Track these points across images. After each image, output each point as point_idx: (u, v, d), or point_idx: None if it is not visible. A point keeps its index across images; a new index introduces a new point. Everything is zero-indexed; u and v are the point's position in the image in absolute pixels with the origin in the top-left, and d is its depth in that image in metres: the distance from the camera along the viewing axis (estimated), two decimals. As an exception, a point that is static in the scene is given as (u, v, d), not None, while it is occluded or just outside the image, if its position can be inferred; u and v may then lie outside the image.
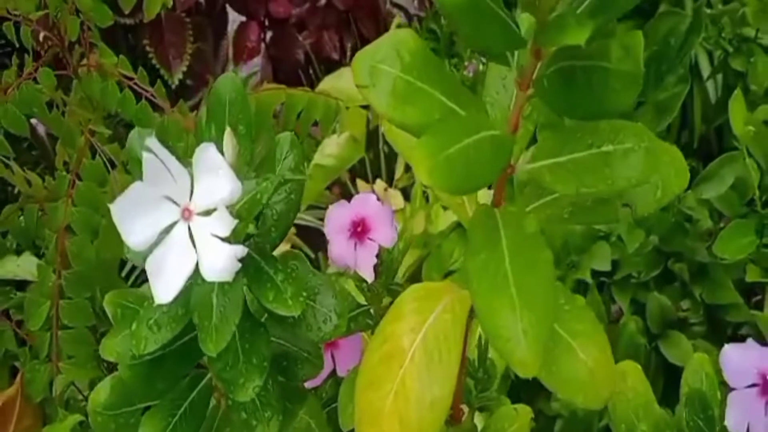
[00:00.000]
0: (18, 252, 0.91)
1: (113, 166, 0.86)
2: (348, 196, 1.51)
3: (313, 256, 1.36)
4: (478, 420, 0.54)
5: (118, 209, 0.32)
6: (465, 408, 0.54)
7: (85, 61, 0.86)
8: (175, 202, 0.33)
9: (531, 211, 0.38)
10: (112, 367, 0.58)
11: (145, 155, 0.32)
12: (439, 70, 0.35)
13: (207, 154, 0.33)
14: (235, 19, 1.73)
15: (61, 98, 0.87)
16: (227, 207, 0.33)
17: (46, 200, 0.87)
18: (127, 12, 0.89)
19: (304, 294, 0.37)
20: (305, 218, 1.36)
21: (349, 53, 1.71)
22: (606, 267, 1.02)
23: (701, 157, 1.40)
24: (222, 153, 0.34)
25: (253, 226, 0.37)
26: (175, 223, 0.33)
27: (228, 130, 0.35)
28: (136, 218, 0.33)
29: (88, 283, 0.77)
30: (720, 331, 1.05)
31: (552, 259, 0.32)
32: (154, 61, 1.58)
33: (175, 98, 1.30)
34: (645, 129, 0.33)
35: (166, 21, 1.56)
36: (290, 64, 1.71)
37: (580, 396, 0.36)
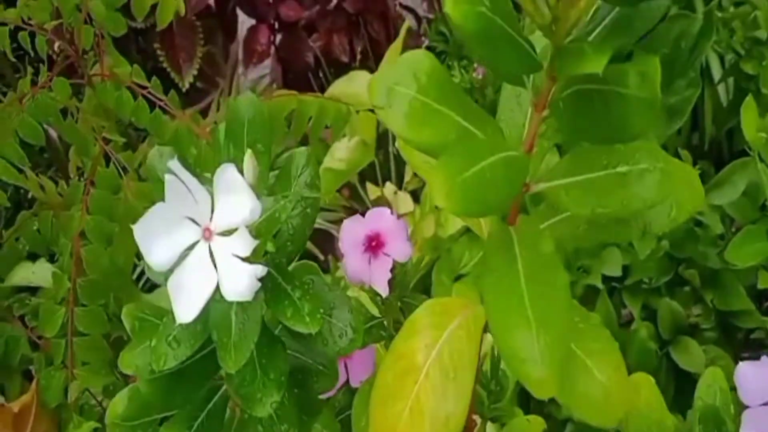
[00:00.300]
0: (31, 258, 0.92)
1: (126, 172, 0.86)
2: (358, 199, 1.51)
3: (323, 258, 1.36)
4: (491, 430, 0.54)
5: (140, 230, 0.33)
6: (477, 419, 0.55)
7: (98, 69, 0.87)
8: (196, 223, 0.34)
9: (545, 228, 0.38)
10: (126, 374, 0.59)
11: (166, 177, 0.33)
12: (454, 91, 0.36)
13: (227, 174, 0.33)
14: (245, 21, 1.73)
15: (75, 106, 0.88)
16: (247, 226, 0.34)
17: (60, 207, 0.88)
18: (140, 20, 0.90)
19: (321, 311, 0.38)
20: (315, 221, 1.36)
21: (358, 56, 1.71)
22: (617, 272, 1.02)
23: (712, 159, 1.40)
24: (241, 173, 0.35)
25: (271, 245, 0.37)
26: (196, 243, 0.34)
27: (249, 152, 0.36)
28: (158, 238, 0.33)
29: (103, 290, 0.78)
30: (731, 337, 1.05)
31: (568, 280, 0.32)
32: (164, 64, 1.59)
33: (185, 101, 1.31)
34: (660, 149, 0.33)
35: (176, 24, 1.56)
36: (300, 67, 1.71)
37: (594, 415, 0.36)
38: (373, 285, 0.47)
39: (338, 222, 1.44)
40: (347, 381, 0.55)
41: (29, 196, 1.23)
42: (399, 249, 0.47)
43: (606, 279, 1.03)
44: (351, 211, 1.44)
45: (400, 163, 1.51)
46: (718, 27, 1.30)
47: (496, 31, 0.31)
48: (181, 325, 0.38)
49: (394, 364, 0.40)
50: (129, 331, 0.47)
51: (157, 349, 0.37)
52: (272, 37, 1.71)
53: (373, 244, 0.47)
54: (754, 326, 1.01)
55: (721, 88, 1.39)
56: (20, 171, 0.87)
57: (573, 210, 0.35)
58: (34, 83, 0.83)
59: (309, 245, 1.34)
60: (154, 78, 0.86)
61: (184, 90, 1.60)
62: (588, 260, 1.04)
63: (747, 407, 0.40)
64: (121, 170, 0.87)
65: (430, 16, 1.84)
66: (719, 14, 1.31)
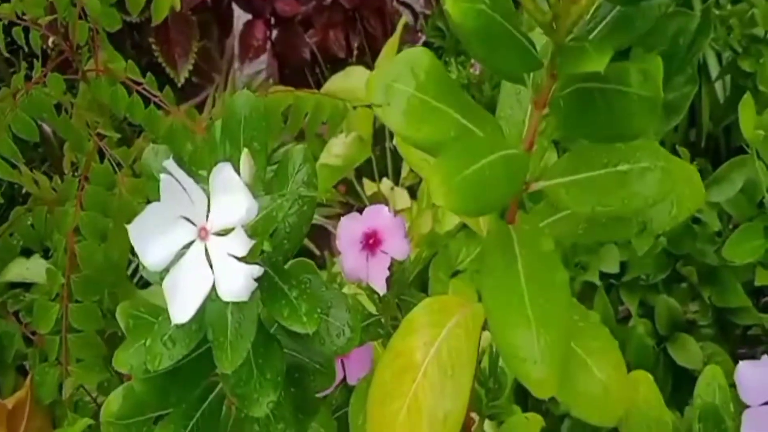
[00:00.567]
0: (25, 253, 0.91)
1: (120, 168, 0.86)
2: (354, 195, 1.51)
3: (318, 254, 1.36)
4: (488, 428, 0.54)
5: (135, 230, 0.32)
6: (475, 416, 0.54)
7: (92, 65, 0.86)
8: (191, 222, 0.33)
9: (545, 226, 0.38)
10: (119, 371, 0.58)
11: (162, 176, 0.32)
12: (453, 89, 0.35)
13: (223, 174, 0.33)
14: (240, 16, 1.73)
15: (69, 101, 0.88)
16: (243, 225, 0.33)
17: (55, 203, 0.87)
18: (135, 15, 0.89)
19: (319, 310, 0.37)
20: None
21: (355, 51, 1.70)
22: (614, 269, 1.02)
23: (709, 156, 1.40)
24: (238, 172, 0.34)
25: (268, 244, 0.37)
26: (191, 242, 0.34)
27: (245, 151, 0.35)
28: (153, 238, 0.33)
29: (97, 286, 0.77)
30: (728, 333, 1.05)
31: (567, 279, 0.32)
32: (159, 60, 1.58)
33: (181, 96, 1.30)
34: (661, 148, 0.33)
35: (171, 19, 1.56)
36: (296, 62, 1.71)
37: (594, 413, 0.36)
38: (370, 283, 0.47)
39: (335, 218, 1.43)
40: (344, 379, 0.55)
41: (23, 191, 1.22)
42: (397, 247, 0.47)
43: (603, 275, 1.03)
44: (347, 207, 1.44)
45: (397, 159, 1.50)
46: (715, 24, 1.30)
47: (496, 29, 0.30)
48: (176, 324, 0.37)
49: (391, 362, 0.40)
50: (124, 330, 0.47)
51: (152, 348, 0.37)
52: (268, 33, 1.70)
53: (371, 242, 0.47)
54: (751, 323, 1.01)
55: (718, 86, 1.39)
56: (14, 167, 0.87)
57: (573, 208, 0.34)
58: (28, 79, 0.83)
59: (305, 241, 1.34)
60: (149, 74, 0.86)
61: (179, 85, 1.60)
62: (585, 257, 1.04)
63: (747, 407, 0.40)
64: (115, 166, 0.86)
65: (427, 11, 1.84)
66: (717, 11, 1.31)
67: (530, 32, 0.34)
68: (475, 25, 0.30)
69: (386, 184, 1.39)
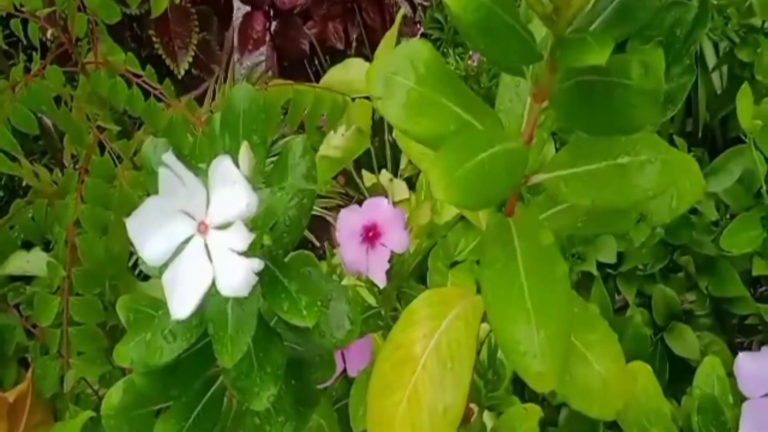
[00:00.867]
0: (26, 246, 0.91)
1: (120, 161, 0.86)
2: (353, 186, 1.51)
3: (318, 245, 1.36)
4: (487, 419, 0.54)
5: (133, 224, 0.32)
6: (474, 407, 0.55)
7: (92, 57, 0.86)
8: (191, 216, 0.33)
9: (544, 219, 0.38)
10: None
11: (160, 170, 0.32)
12: (453, 82, 0.35)
13: (223, 167, 0.33)
14: (240, 8, 1.72)
15: (69, 94, 0.87)
16: (243, 219, 0.33)
17: (55, 196, 0.87)
18: (134, 7, 0.89)
19: (319, 303, 0.37)
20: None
21: (354, 43, 1.70)
22: (612, 259, 1.02)
23: (706, 146, 1.40)
24: (237, 165, 0.34)
25: (268, 238, 0.37)
26: (191, 237, 0.34)
27: (245, 143, 0.35)
28: (152, 233, 0.33)
29: (98, 279, 0.77)
30: (725, 323, 1.05)
31: (567, 272, 0.32)
32: (159, 52, 1.58)
33: (180, 88, 1.30)
34: (661, 140, 0.33)
35: (171, 11, 1.55)
36: (295, 54, 1.71)
37: (593, 406, 0.36)
38: (370, 275, 0.47)
39: (334, 209, 1.43)
40: (344, 371, 0.55)
41: (24, 184, 1.22)
42: (396, 239, 0.47)
43: (601, 266, 1.03)
44: (347, 198, 1.44)
45: (396, 151, 1.50)
46: (712, 14, 1.29)
47: (496, 21, 0.30)
48: (177, 319, 0.37)
49: (391, 354, 0.40)
50: (124, 323, 0.47)
51: (152, 342, 0.37)
52: (267, 25, 1.70)
53: (371, 235, 0.47)
54: (748, 312, 1.01)
55: (715, 76, 1.39)
56: (14, 159, 0.87)
57: (573, 201, 0.34)
58: (27, 71, 0.82)
59: (305, 232, 1.34)
60: (148, 66, 0.86)
61: (179, 77, 1.59)
62: (583, 247, 1.04)
63: (747, 399, 0.40)
64: (115, 159, 0.86)
65: (425, 3, 1.83)
66: (714, 1, 1.31)
67: (530, 24, 0.34)
68: (474, 17, 0.30)
69: (385, 175, 1.39)
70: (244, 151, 0.35)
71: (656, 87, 0.30)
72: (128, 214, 0.76)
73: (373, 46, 1.61)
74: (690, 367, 0.96)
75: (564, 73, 0.33)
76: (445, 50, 1.62)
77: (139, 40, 1.63)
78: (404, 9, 1.67)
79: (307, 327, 0.41)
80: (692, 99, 1.44)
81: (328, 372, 0.45)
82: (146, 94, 0.83)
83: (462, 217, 1.23)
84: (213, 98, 1.55)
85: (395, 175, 1.43)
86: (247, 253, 0.33)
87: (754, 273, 0.97)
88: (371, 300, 0.52)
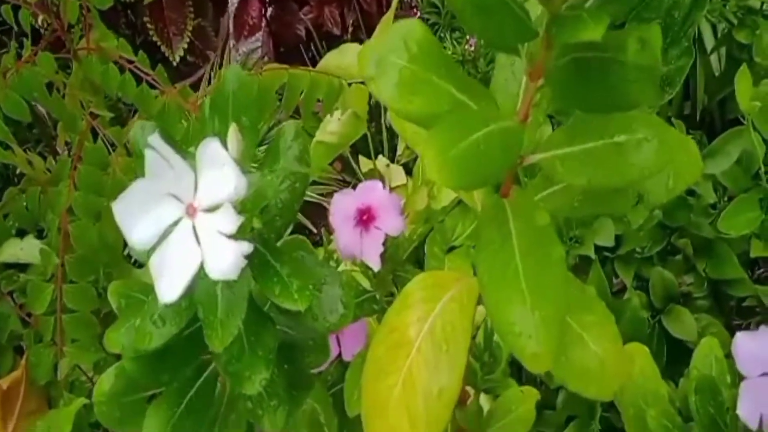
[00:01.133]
0: (19, 234, 0.91)
1: (114, 148, 0.85)
2: (350, 172, 1.51)
3: (315, 231, 1.36)
4: (484, 401, 0.54)
5: (120, 207, 0.32)
6: (470, 390, 0.54)
7: (84, 43, 0.85)
8: (178, 199, 0.33)
9: (540, 200, 0.37)
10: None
11: (147, 152, 0.32)
12: (446, 61, 0.35)
13: (211, 149, 0.32)
14: (235, -6, 1.71)
15: (62, 81, 0.87)
16: (232, 202, 0.33)
17: (48, 183, 0.87)
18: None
19: (311, 287, 0.37)
20: (307, 194, 1.35)
21: (350, 29, 1.69)
22: (609, 242, 1.02)
23: (704, 129, 1.39)
24: (226, 147, 0.34)
25: (258, 221, 0.36)
26: (179, 220, 0.33)
27: (233, 125, 0.35)
28: (139, 216, 0.32)
29: (91, 266, 0.77)
30: (723, 305, 1.05)
31: (564, 254, 0.32)
32: (154, 38, 1.57)
33: (176, 75, 1.29)
34: (658, 119, 0.32)
35: (166, -3, 1.55)
36: (291, 40, 1.70)
37: (590, 387, 0.36)
38: (365, 259, 0.47)
39: (331, 195, 1.43)
40: (339, 355, 0.55)
41: (17, 172, 1.22)
42: (391, 223, 0.46)
43: (598, 249, 1.02)
44: (343, 184, 1.44)
45: (393, 136, 1.50)
46: (710, -4, 1.29)
47: (489, -1, 0.30)
48: (165, 303, 0.37)
49: (386, 337, 0.39)
50: (115, 309, 0.46)
51: (141, 328, 0.37)
52: (263, 10, 1.69)
53: (365, 218, 0.46)
54: (746, 294, 1.01)
55: (713, 58, 1.38)
56: (7, 147, 0.86)
57: (569, 181, 0.34)
58: (18, 57, 0.82)
59: (301, 218, 1.34)
60: (140, 52, 0.85)
61: (174, 64, 1.59)
62: (580, 230, 1.04)
63: (744, 378, 0.39)
64: (109, 146, 0.86)
65: (422, -14, 1.82)
66: (712, -17, 1.30)
67: (525, 2, 0.33)
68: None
69: (382, 161, 1.38)
70: (232, 132, 0.34)
71: (653, 62, 0.29)
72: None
73: (370, 31, 1.60)
74: (687, 349, 0.96)
75: (559, 51, 0.32)
76: (442, 35, 1.61)
77: (133, 26, 1.62)
78: (400, -7, 1.66)
79: (299, 311, 0.40)
80: (690, 81, 1.43)
81: (321, 356, 0.45)
82: (139, 80, 0.82)
83: (459, 202, 1.22)
84: (208, 85, 1.54)
85: (392, 160, 1.43)
86: (236, 236, 0.33)
87: (752, 255, 0.97)
88: (366, 284, 0.51)
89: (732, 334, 0.44)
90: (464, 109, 0.34)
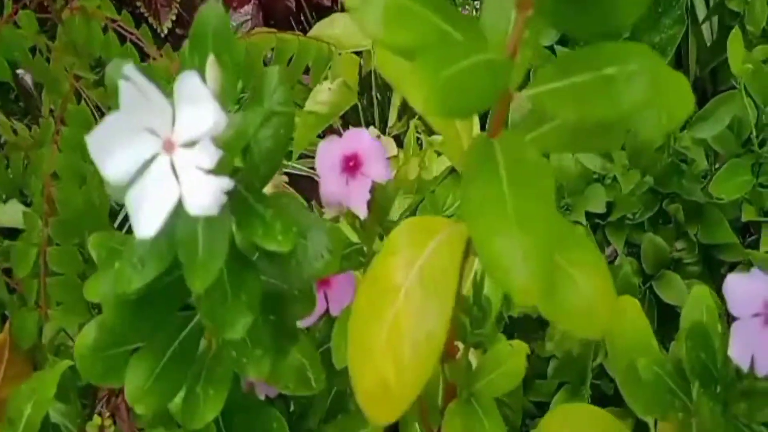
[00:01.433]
0: (4, 201, 0.90)
1: (99, 111, 0.84)
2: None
3: (306, 204, 1.35)
4: (473, 357, 0.53)
5: (93, 141, 0.31)
6: (459, 345, 0.54)
7: (68, 5, 0.84)
8: (155, 134, 0.32)
9: (531, 140, 0.36)
10: (101, 313, 0.57)
11: (121, 84, 0.30)
12: (432, -8, 0.34)
13: (189, 82, 0.31)
14: (224, -36, 1.69)
15: (45, 43, 0.85)
16: (211, 137, 0.32)
17: (32, 148, 0.85)
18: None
19: (295, 229, 0.36)
20: (297, 167, 1.34)
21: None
22: (600, 209, 1.01)
23: (696, 98, 1.38)
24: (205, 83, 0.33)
25: (239, 160, 0.35)
26: (156, 155, 0.32)
27: (211, 57, 0.33)
28: (114, 150, 0.31)
29: (76, 229, 0.76)
30: (714, 271, 1.04)
31: (553, 186, 0.31)
32: (142, 10, 1.55)
33: (163, 47, 1.27)
34: (651, 50, 0.31)
35: (153, -32, 1.53)
36: (281, 12, 1.68)
37: (579, 326, 0.35)
38: (351, 207, 0.46)
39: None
40: (327, 312, 0.54)
41: (2, 139, 1.20)
42: (377, 169, 0.45)
43: (589, 216, 1.02)
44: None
45: (384, 108, 1.48)
46: (703, -36, 1.28)
47: None
48: (145, 245, 0.36)
49: (372, 283, 0.39)
50: (96, 261, 0.45)
51: (121, 271, 0.36)
52: (253, -18, 1.67)
53: (351, 165, 0.46)
54: (737, 259, 1.00)
55: (705, 27, 1.37)
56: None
57: (559, 115, 0.33)
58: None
59: (293, 191, 1.32)
60: (124, 11, 0.83)
61: (162, 36, 1.57)
62: (571, 198, 1.03)
63: (736, 319, 0.39)
64: (93, 108, 0.84)
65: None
66: (704, -50, 1.29)
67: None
68: None
69: (373, 132, 1.37)
70: (211, 66, 0.33)
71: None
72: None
73: (359, 1, 1.58)
74: (678, 315, 0.96)
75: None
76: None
77: None
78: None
79: (284, 257, 0.39)
80: (682, 51, 1.42)
81: (307, 307, 0.44)
82: (122, 40, 0.81)
83: (451, 171, 1.22)
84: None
85: (383, 132, 1.42)
86: (216, 171, 0.32)
87: (744, 219, 0.96)
88: (353, 237, 0.50)
89: (723, 300, 0.44)
90: (452, 40, 0.33)
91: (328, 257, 0.40)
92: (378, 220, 0.47)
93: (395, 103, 1.37)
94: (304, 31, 1.57)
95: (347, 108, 1.30)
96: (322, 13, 1.62)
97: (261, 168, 0.41)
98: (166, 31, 1.59)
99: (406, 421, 0.57)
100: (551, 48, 1.08)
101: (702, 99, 1.41)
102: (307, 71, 1.04)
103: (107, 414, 0.68)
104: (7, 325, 0.75)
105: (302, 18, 1.67)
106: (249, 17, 1.69)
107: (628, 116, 0.32)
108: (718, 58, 1.36)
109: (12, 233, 0.88)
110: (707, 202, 0.99)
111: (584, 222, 1.02)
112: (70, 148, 0.78)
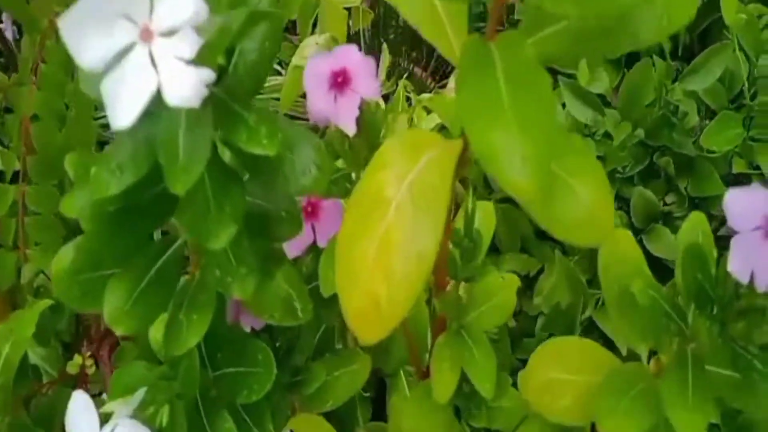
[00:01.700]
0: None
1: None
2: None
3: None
4: (464, 291, 0.52)
5: (66, 25, 0.29)
6: (450, 281, 0.52)
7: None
8: (132, 20, 0.30)
9: (531, 44, 0.34)
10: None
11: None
12: None
13: (169, -33, 0.29)
14: None
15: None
16: (193, 29, 0.30)
17: (10, 87, 0.83)
18: None
19: (280, 135, 0.34)
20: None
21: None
22: (591, 162, 1.00)
23: (685, 62, 1.37)
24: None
25: (222, 58, 0.33)
26: (133, 44, 0.30)
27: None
28: (88, 37, 0.29)
29: (55, 169, 0.74)
30: (705, 224, 1.03)
31: (551, 81, 0.29)
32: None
33: None
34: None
35: None
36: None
37: (577, 235, 0.34)
38: (339, 124, 0.44)
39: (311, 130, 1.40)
40: (314, 245, 0.52)
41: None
42: (367, 85, 0.44)
43: (580, 169, 1.00)
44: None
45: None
46: None
47: None
48: (124, 151, 0.34)
49: (360, 199, 0.37)
50: (72, 179, 0.44)
51: (98, 176, 0.34)
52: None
53: (339, 81, 0.44)
54: (728, 213, 0.99)
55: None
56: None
57: (557, 11, 0.31)
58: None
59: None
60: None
61: None
62: (562, 152, 1.02)
63: (736, 233, 0.38)
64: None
65: None
66: None
67: None
68: None
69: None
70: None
71: None
72: (86, 108, 0.72)
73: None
74: (669, 269, 0.95)
75: None
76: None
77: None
78: None
79: (269, 170, 0.38)
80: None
81: (293, 228, 0.43)
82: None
83: (441, 128, 1.20)
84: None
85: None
86: (196, 62, 0.30)
87: (734, 171, 0.96)
88: (340, 164, 0.49)
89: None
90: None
91: (316, 173, 0.38)
92: (367, 139, 0.46)
93: (384, 62, 1.34)
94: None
95: (334, 64, 1.28)
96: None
97: (246, 81, 0.39)
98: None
99: (394, 356, 0.56)
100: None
101: (691, 62, 1.39)
102: (294, 30, 1.01)
103: (88, 354, 0.66)
104: (-17, 266, 0.74)
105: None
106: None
107: (629, 14, 0.30)
108: (706, 20, 1.34)
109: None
110: (698, 155, 0.98)
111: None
112: (49, 86, 0.76)
